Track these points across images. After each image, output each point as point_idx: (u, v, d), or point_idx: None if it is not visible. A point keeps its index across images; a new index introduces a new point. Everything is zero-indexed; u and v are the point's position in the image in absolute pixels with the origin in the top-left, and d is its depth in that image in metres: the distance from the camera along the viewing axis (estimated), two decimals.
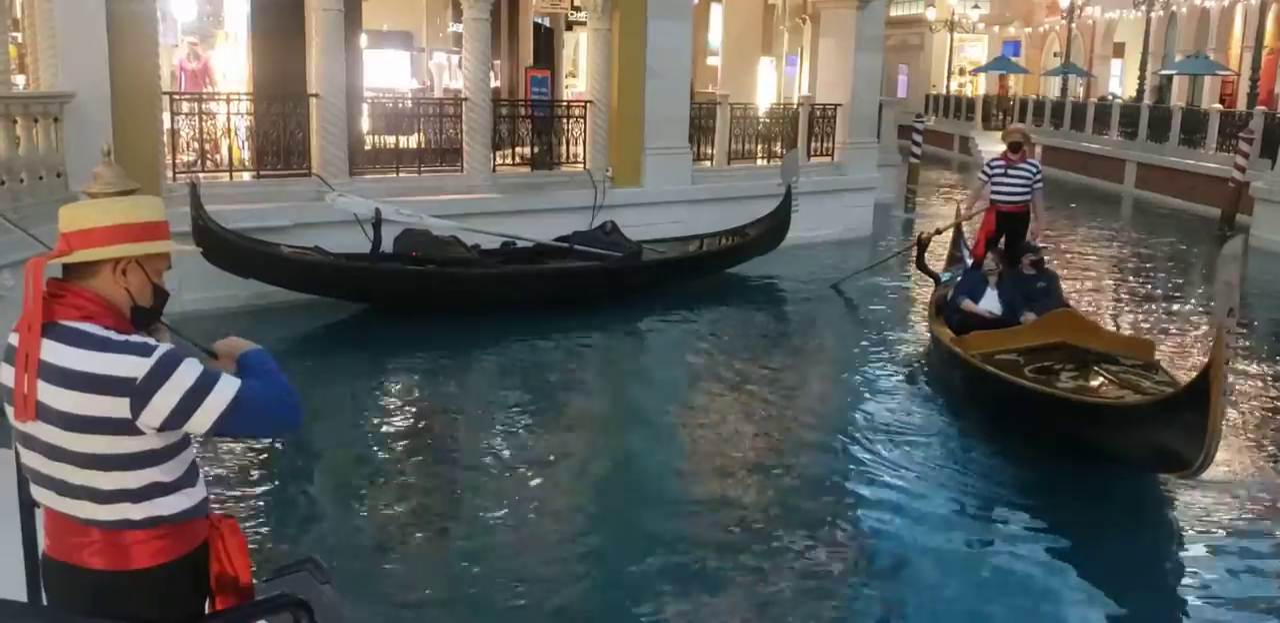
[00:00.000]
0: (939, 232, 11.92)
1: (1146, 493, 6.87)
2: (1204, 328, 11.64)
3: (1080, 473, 7.02)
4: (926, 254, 11.39)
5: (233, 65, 14.00)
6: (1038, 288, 9.26)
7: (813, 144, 16.88)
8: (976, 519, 6.66)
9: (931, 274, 11.21)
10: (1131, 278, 15.17)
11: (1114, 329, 10.69)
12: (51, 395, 2.24)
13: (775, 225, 13.76)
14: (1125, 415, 6.60)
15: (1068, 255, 16.71)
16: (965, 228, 11.80)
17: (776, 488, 7.08)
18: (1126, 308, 13.05)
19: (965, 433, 7.99)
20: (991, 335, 8.30)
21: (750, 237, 13.70)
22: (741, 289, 13.56)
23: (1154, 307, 13.07)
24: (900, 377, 9.77)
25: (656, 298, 12.27)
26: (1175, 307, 13.09)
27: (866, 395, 9.14)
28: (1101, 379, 7.53)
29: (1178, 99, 31.84)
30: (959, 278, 9.89)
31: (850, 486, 7.09)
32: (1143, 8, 31.00)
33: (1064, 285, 13.06)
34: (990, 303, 8.99)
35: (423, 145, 13.16)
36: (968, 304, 9.02)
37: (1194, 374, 8.45)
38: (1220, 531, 6.46)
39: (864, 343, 11.07)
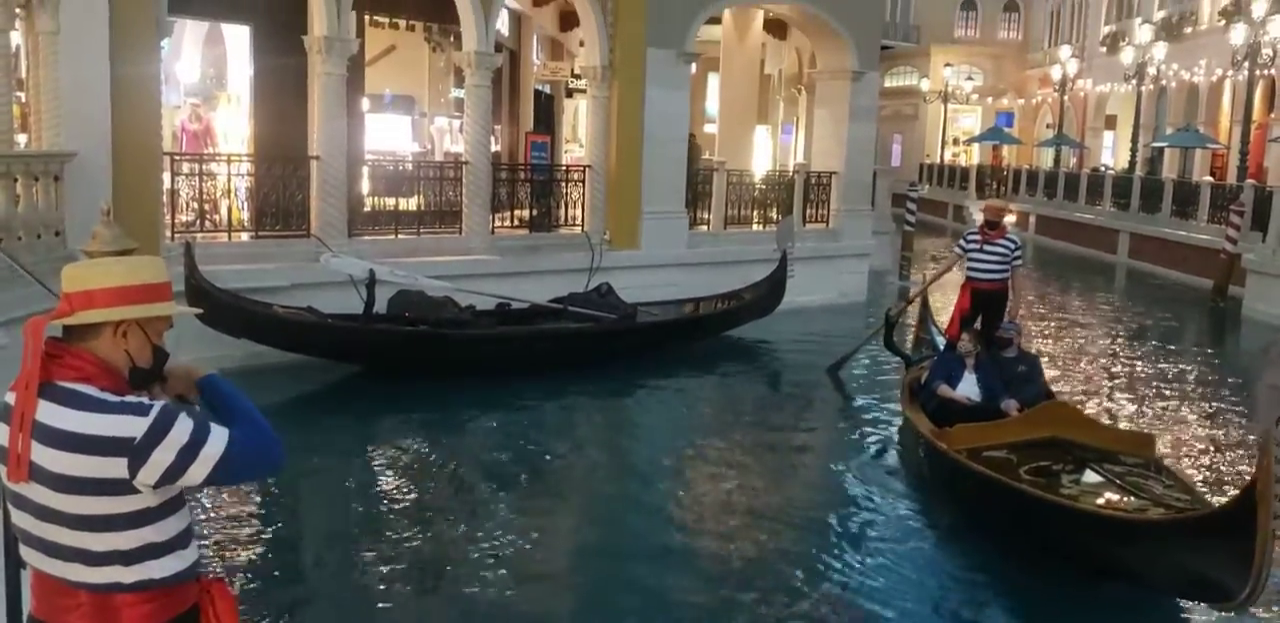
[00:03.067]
0: (909, 302, 11.70)
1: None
2: (1199, 412, 11.21)
3: (1091, 594, 6.25)
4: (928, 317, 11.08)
5: (235, 127, 14.14)
6: (1018, 372, 8.67)
7: (808, 210, 17.02)
8: None
9: (901, 354, 10.70)
10: (1122, 355, 14.74)
11: (1109, 421, 10.05)
12: (45, 457, 2.22)
13: (770, 290, 13.81)
14: (1153, 533, 5.80)
15: (1058, 329, 16.63)
16: (936, 301, 11.38)
17: (738, 593, 6.40)
18: (1118, 392, 12.30)
19: (954, 538, 7.40)
20: (977, 429, 7.63)
21: (745, 301, 13.74)
22: (735, 354, 13.53)
23: (1146, 390, 12.32)
24: (882, 464, 9.24)
25: (650, 361, 12.24)
26: (1169, 390, 12.32)
27: (848, 483, 8.61)
28: (1102, 480, 6.87)
29: (1169, 171, 32.18)
30: (934, 358, 9.51)
31: (821, 592, 6.41)
32: (1133, 82, 31.45)
33: (1052, 362, 12.91)
34: (968, 388, 8.46)
35: (422, 207, 13.26)
36: (944, 390, 8.47)
37: (1200, 473, 8.16)
38: None
39: (851, 419, 10.75)
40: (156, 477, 2.23)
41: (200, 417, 2.33)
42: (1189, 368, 13.70)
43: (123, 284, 2.34)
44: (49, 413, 2.23)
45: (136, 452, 2.20)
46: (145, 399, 2.31)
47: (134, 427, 2.21)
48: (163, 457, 2.22)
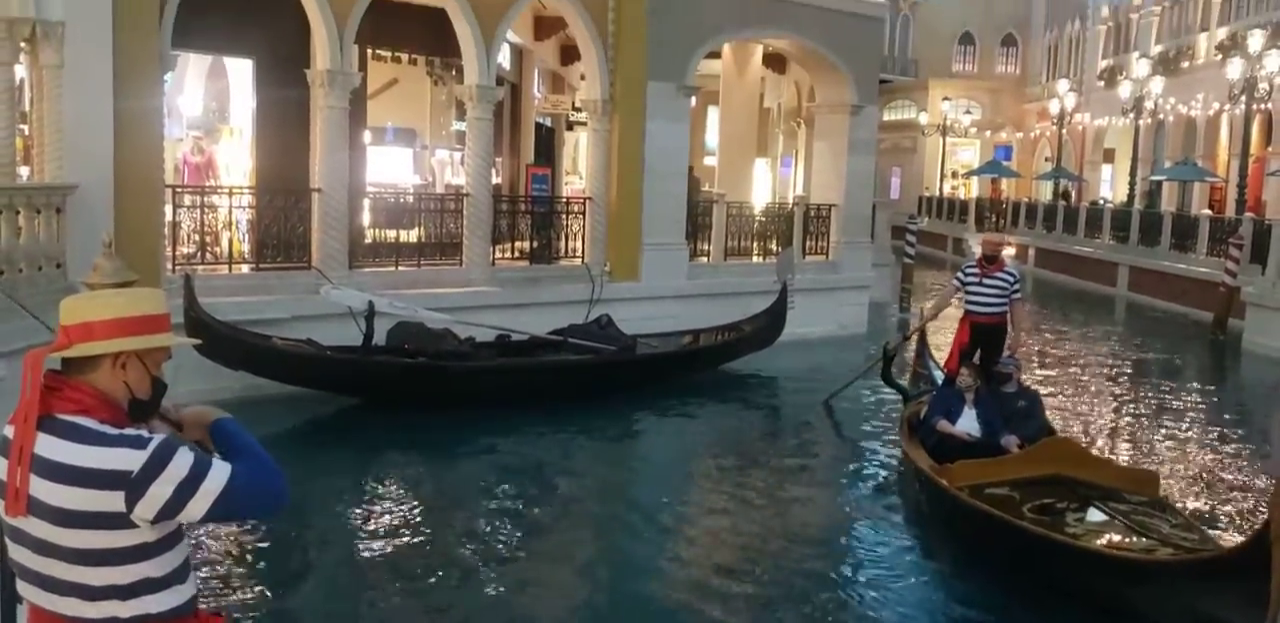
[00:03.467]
0: (906, 338, 11.63)
1: None
2: (1200, 448, 11.10)
3: None
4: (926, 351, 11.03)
5: (237, 159, 14.21)
6: (1018, 407, 8.60)
7: (808, 242, 17.06)
8: None
9: (899, 388, 10.57)
10: (1123, 390, 14.67)
11: (1111, 457, 9.93)
12: (44, 490, 2.21)
13: (770, 322, 13.80)
14: (1164, 574, 5.75)
15: (1058, 362, 16.60)
16: (934, 335, 11.27)
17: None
18: (1118, 427, 12.23)
19: (954, 575, 7.28)
20: (979, 466, 7.54)
21: (745, 332, 13.73)
22: (735, 386, 13.50)
23: (1147, 425, 12.20)
24: (881, 499, 9.18)
25: (650, 393, 12.21)
26: (1170, 425, 12.14)
27: (847, 518, 8.54)
28: (1107, 518, 6.83)
29: (1168, 204, 32.29)
30: (932, 393, 9.45)
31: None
32: (1131, 115, 31.62)
33: (1053, 396, 12.78)
34: (968, 423, 8.37)
35: (423, 239, 13.29)
36: (944, 425, 8.37)
37: (1204, 510, 8.04)
38: None
39: (850, 454, 10.69)
40: (154, 512, 2.22)
41: (203, 452, 2.32)
42: (1190, 402, 13.65)
43: (121, 316, 2.34)
44: (48, 446, 2.22)
45: (133, 485, 2.19)
46: (145, 432, 2.30)
47: (131, 460, 2.20)
48: (160, 491, 2.21)
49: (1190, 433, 11.84)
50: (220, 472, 2.28)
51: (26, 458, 2.21)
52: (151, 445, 2.23)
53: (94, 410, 2.28)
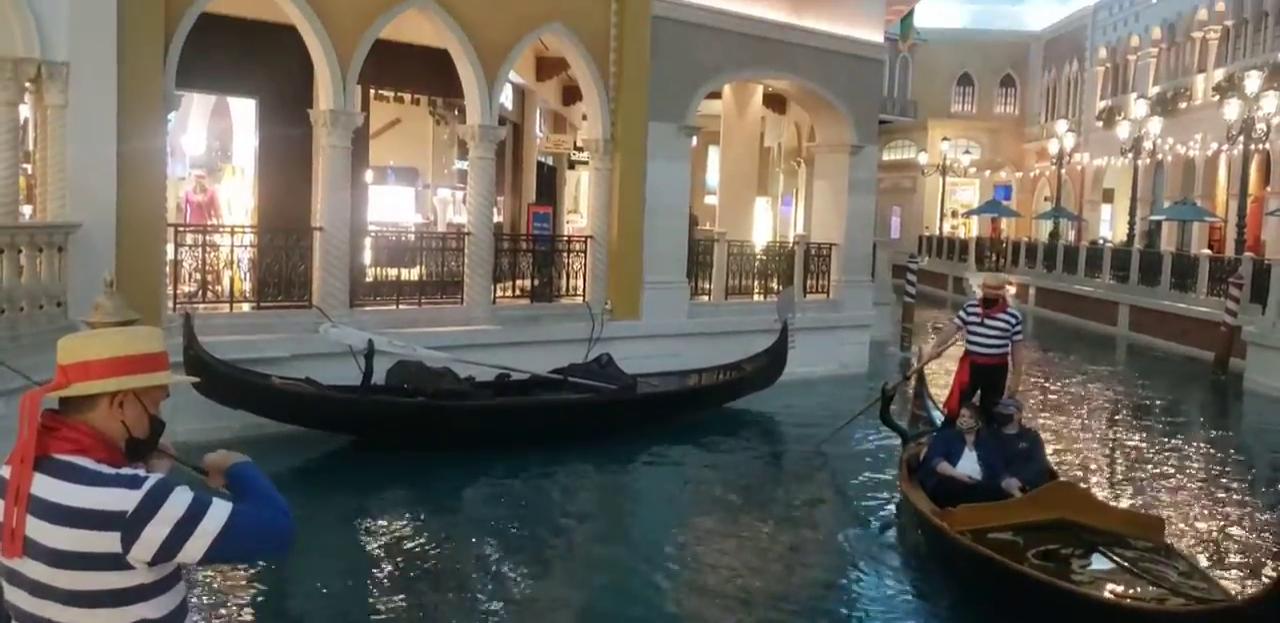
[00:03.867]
0: (906, 378, 11.56)
1: None
2: (1204, 491, 10.94)
3: None
4: (923, 392, 10.96)
5: (239, 198, 14.26)
6: (1019, 449, 8.52)
7: (809, 281, 17.09)
8: None
9: (898, 429, 10.38)
10: (1125, 431, 14.56)
11: (1113, 500, 9.91)
12: (40, 531, 2.20)
13: (771, 361, 13.78)
14: None
15: (1059, 403, 16.53)
16: (934, 374, 11.15)
17: None
18: (1120, 469, 12.11)
19: (954, 620, 7.30)
20: (981, 510, 7.45)
21: (746, 372, 13.70)
22: (736, 426, 13.42)
23: (1150, 467, 12.04)
24: (881, 541, 9.13)
25: (651, 432, 12.16)
26: (1173, 467, 12.04)
27: (846, 560, 8.45)
28: (1114, 566, 6.72)
29: (1167, 243, 32.38)
30: (932, 433, 9.38)
31: None
32: (1130, 156, 31.79)
33: (1054, 438, 12.68)
34: (969, 466, 8.30)
35: (424, 278, 13.31)
36: (944, 467, 8.30)
37: (1210, 555, 7.90)
38: None
39: (849, 495, 10.63)
40: (151, 553, 2.20)
41: (203, 491, 2.30)
42: (1193, 444, 13.55)
43: (118, 355, 2.34)
44: (44, 486, 2.21)
45: (129, 526, 2.17)
46: (141, 472, 2.28)
47: (126, 500, 2.19)
48: (155, 532, 2.19)
49: (1193, 476, 11.74)
50: (220, 511, 2.26)
51: (23, 499, 2.20)
52: (147, 485, 2.21)
53: (91, 450, 2.27)
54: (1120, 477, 11.72)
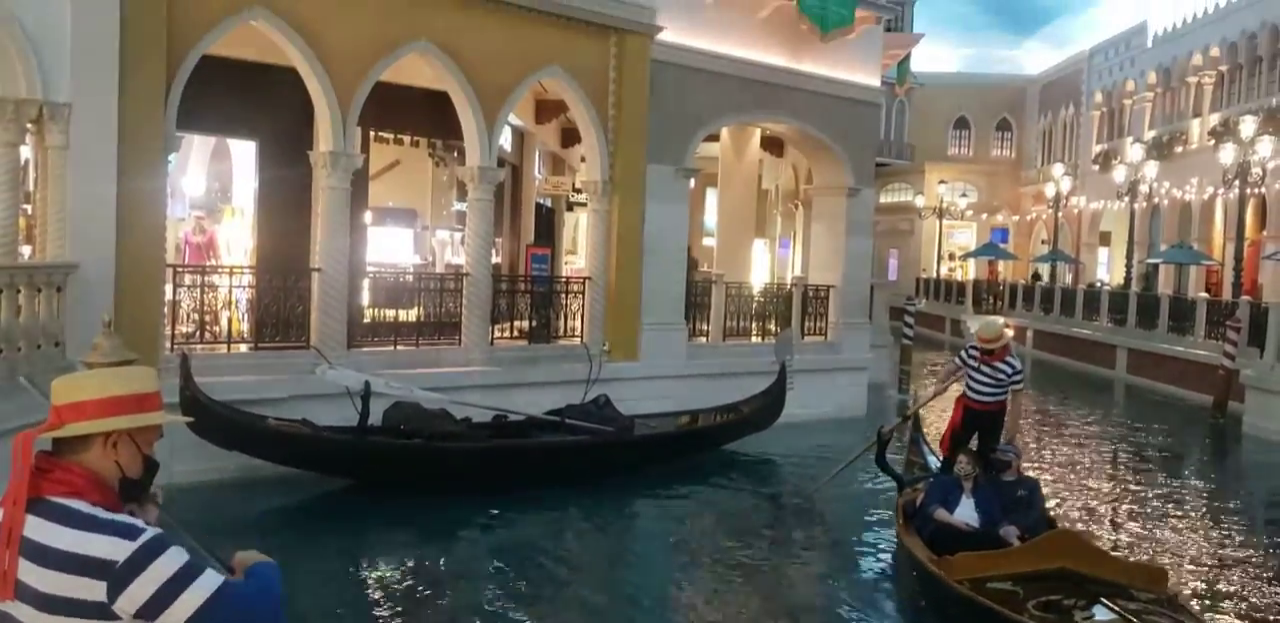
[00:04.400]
0: (903, 420, 11.48)
1: None
2: (1205, 538, 10.80)
3: None
4: (916, 438, 10.85)
5: (238, 239, 14.29)
6: (1017, 497, 8.43)
7: (806, 323, 17.10)
8: None
9: (893, 475, 10.17)
10: (1124, 476, 14.43)
11: (1113, 547, 9.78)
12: (32, 575, 2.17)
13: (770, 403, 13.74)
14: None
15: (1058, 447, 16.43)
16: (932, 421, 11.04)
17: None
18: (1120, 516, 11.89)
19: None
20: (980, 559, 7.31)
21: (744, 413, 13.65)
22: (733, 468, 13.35)
23: (1150, 513, 11.93)
24: (878, 588, 9.09)
25: (649, 474, 12.09)
26: (1173, 513, 11.91)
27: (842, 608, 8.29)
28: (1117, 617, 6.55)
29: (1164, 286, 32.45)
30: (928, 479, 9.31)
31: None
32: (1126, 199, 31.94)
33: (1053, 484, 12.63)
34: (966, 513, 8.20)
35: (422, 319, 13.30)
36: (941, 514, 8.19)
37: (1212, 606, 7.75)
38: None
39: (846, 541, 10.52)
40: (135, 608, 2.17)
41: (199, 556, 2.27)
42: (1193, 489, 13.48)
43: (112, 395, 2.33)
44: (38, 529, 2.19)
45: (117, 577, 2.15)
46: (139, 522, 2.25)
47: (118, 550, 2.16)
48: (142, 589, 2.16)
49: (1194, 523, 11.63)
50: (210, 580, 2.22)
51: (16, 541, 2.18)
52: (142, 538, 2.19)
53: (86, 493, 2.25)
54: (1119, 523, 11.60)
